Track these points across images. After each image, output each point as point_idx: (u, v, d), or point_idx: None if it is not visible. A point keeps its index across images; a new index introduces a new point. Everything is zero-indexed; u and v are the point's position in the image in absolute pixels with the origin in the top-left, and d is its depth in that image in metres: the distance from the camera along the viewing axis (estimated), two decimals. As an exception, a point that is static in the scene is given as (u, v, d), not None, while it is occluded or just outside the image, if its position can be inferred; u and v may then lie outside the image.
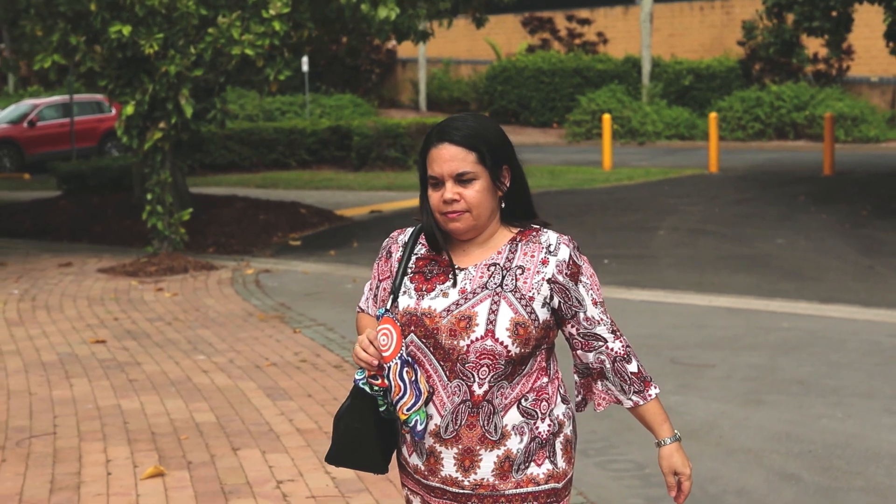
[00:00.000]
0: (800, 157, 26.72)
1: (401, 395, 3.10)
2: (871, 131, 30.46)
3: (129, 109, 13.79)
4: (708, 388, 8.23)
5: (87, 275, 14.18)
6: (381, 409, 3.18)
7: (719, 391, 8.16)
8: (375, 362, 3.11)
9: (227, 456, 6.79)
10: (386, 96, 43.18)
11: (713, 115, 24.61)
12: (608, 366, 3.18)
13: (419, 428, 3.12)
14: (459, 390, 3.10)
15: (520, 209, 3.24)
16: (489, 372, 3.08)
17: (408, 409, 3.11)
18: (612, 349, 3.18)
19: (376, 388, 3.15)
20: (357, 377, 3.21)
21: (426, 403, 3.13)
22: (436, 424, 3.13)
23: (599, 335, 3.17)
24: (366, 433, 3.22)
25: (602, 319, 3.17)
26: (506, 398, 3.11)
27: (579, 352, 3.21)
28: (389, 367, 3.10)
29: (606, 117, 25.64)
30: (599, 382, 3.25)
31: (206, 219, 17.12)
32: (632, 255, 14.30)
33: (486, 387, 3.09)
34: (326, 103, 37.21)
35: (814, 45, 32.93)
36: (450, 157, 3.14)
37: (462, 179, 3.13)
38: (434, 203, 3.17)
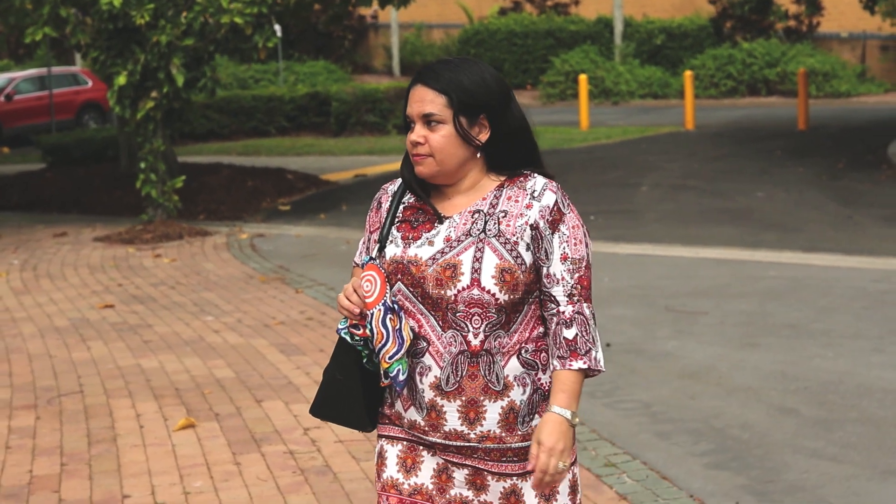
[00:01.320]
0: (773, 113, 27.11)
1: (383, 342, 3.04)
2: (842, 86, 30.87)
3: (122, 80, 14.02)
4: (703, 334, 8.60)
5: (84, 244, 14.43)
6: (364, 360, 3.14)
7: (714, 336, 8.52)
8: (357, 310, 3.08)
9: (252, 408, 7.11)
10: (359, 62, 43.30)
11: (688, 73, 24.95)
12: (552, 328, 3.07)
13: (401, 378, 3.05)
14: (455, 341, 3.05)
15: (512, 161, 3.14)
16: (482, 321, 3.03)
17: (390, 357, 3.04)
18: (561, 312, 3.05)
19: (357, 338, 3.11)
20: (339, 326, 3.16)
21: (409, 352, 3.07)
22: (435, 377, 3.06)
23: (554, 296, 3.06)
24: (349, 387, 3.16)
25: (563, 279, 3.05)
26: (503, 347, 3.06)
27: (541, 311, 3.12)
28: (372, 314, 3.05)
29: (583, 77, 25.94)
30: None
31: (195, 187, 17.35)
32: (617, 211, 14.65)
33: (481, 336, 3.04)
34: (300, 70, 37.32)
35: (784, 2, 33.27)
36: (419, 98, 3.10)
37: (429, 121, 3.09)
38: (406, 142, 3.14)
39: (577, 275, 3.04)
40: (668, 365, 7.80)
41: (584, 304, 3.06)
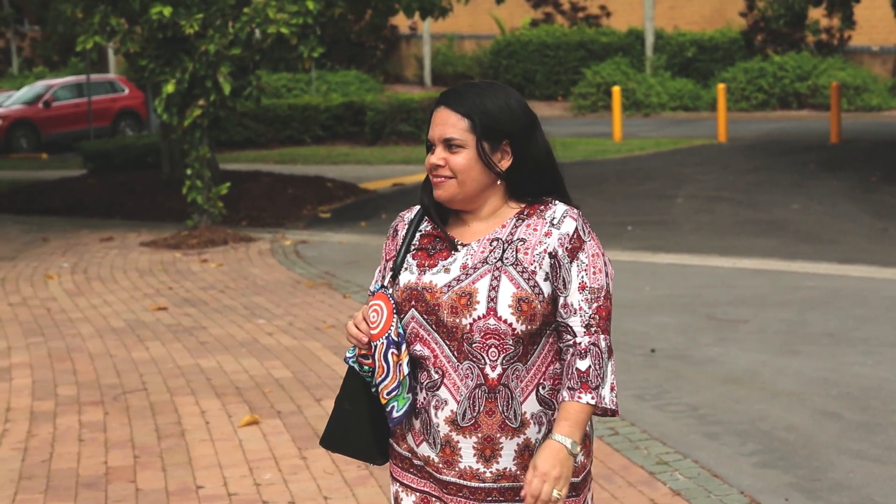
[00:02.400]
0: (805, 126, 27.27)
1: (383, 377, 3.00)
2: (873, 100, 31.00)
3: (170, 88, 14.33)
4: (744, 341, 8.83)
5: (131, 248, 14.74)
6: (374, 390, 3.08)
7: (755, 343, 8.75)
8: (364, 339, 3.03)
9: (312, 406, 7.38)
10: (391, 72, 43.63)
11: (721, 85, 25.14)
12: (566, 358, 3.01)
13: (395, 415, 3.01)
14: (472, 373, 2.98)
15: (534, 188, 3.09)
16: (499, 353, 2.97)
17: (388, 393, 3.00)
18: (577, 343, 2.99)
19: (366, 367, 3.06)
20: (348, 355, 3.12)
21: (411, 389, 3.02)
22: (452, 411, 2.99)
23: (570, 327, 3.00)
24: (357, 417, 3.11)
25: (581, 309, 2.99)
26: (522, 382, 3.00)
27: (558, 343, 3.06)
28: (376, 347, 3.00)
29: (616, 89, 26.18)
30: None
31: (236, 194, 17.66)
32: (654, 222, 14.88)
33: (499, 369, 2.98)
34: (332, 80, 37.67)
35: (814, 15, 33.44)
36: (441, 121, 3.06)
37: (450, 145, 3.04)
38: (426, 164, 3.09)
39: (595, 305, 2.98)
40: (712, 370, 8.04)
41: (602, 336, 2.99)
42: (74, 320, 10.42)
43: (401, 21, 42.70)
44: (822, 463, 6.15)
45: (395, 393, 2.98)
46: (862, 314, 9.59)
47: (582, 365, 2.96)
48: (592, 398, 2.95)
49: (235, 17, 14.45)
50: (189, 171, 14.96)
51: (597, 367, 2.97)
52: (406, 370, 3.00)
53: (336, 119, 28.65)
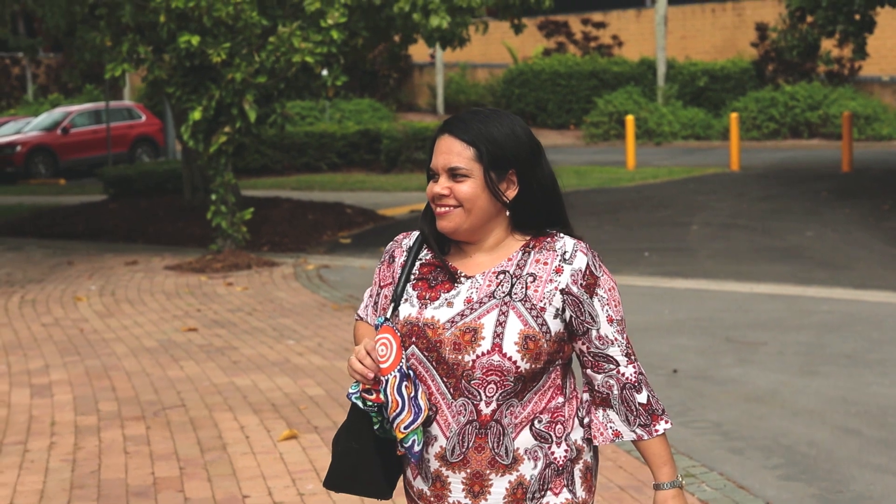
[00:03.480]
0: (816, 155, 27.55)
1: (398, 411, 2.90)
2: (883, 129, 31.30)
3: (197, 115, 14.62)
4: (764, 362, 9.07)
5: (156, 272, 15.02)
6: (376, 426, 2.98)
7: (775, 364, 8.99)
8: (371, 375, 2.90)
9: (348, 421, 7.62)
10: (403, 100, 44.01)
11: (734, 115, 25.45)
12: (615, 392, 2.97)
13: (416, 449, 2.92)
14: (465, 409, 2.91)
15: (539, 219, 3.02)
16: (496, 389, 2.89)
17: (405, 428, 2.90)
18: (622, 374, 2.97)
19: (370, 403, 2.94)
20: (350, 391, 3.00)
21: (426, 423, 2.94)
22: (441, 446, 2.93)
23: (612, 357, 2.97)
24: (365, 454, 3.01)
25: (616, 339, 2.97)
26: (516, 418, 2.92)
27: (589, 371, 3.01)
28: (387, 381, 2.89)
29: (630, 118, 26.49)
30: (601, 411, 3.00)
31: (258, 219, 17.95)
32: (670, 248, 15.14)
33: (493, 405, 2.90)
34: (346, 108, 38.03)
35: (826, 46, 33.76)
36: (446, 149, 2.96)
37: (455, 174, 2.94)
38: (428, 192, 2.99)
39: (624, 335, 2.98)
40: (734, 389, 8.28)
41: (639, 364, 3.01)
42: (108, 340, 10.68)
43: (414, 50, 43.15)
44: (844, 476, 6.39)
45: (413, 426, 2.89)
46: (878, 337, 9.83)
47: (642, 398, 2.96)
48: (666, 422, 2.98)
49: (261, 46, 14.76)
50: (214, 197, 15.25)
51: (653, 393, 2.99)
52: (428, 403, 2.93)
53: (352, 146, 28.99)
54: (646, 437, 2.97)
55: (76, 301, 12.91)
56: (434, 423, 2.94)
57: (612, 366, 2.96)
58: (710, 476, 6.38)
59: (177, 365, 9.54)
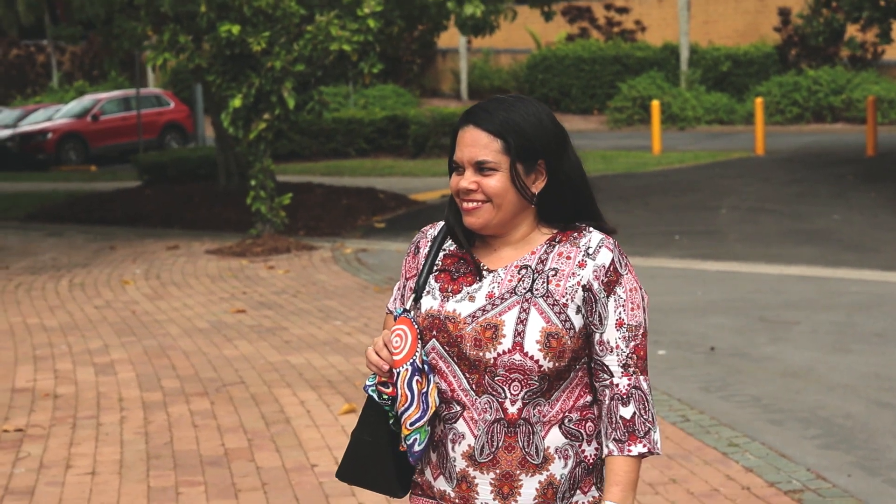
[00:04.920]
0: (840, 139, 27.80)
1: (407, 405, 2.83)
2: (907, 113, 31.52)
3: (237, 102, 14.99)
4: (798, 340, 9.41)
5: (197, 256, 15.40)
6: (391, 421, 2.92)
7: (808, 342, 9.33)
8: (386, 367, 2.84)
9: (402, 396, 7.98)
10: (427, 86, 44.32)
11: (759, 99, 25.72)
12: (605, 402, 2.83)
13: (416, 449, 2.85)
14: (490, 407, 2.81)
15: (567, 211, 2.91)
16: (521, 388, 2.80)
17: (411, 424, 2.83)
18: (615, 384, 2.82)
19: (385, 396, 2.89)
20: (367, 383, 2.94)
21: (431, 420, 2.85)
22: (469, 445, 2.83)
23: (607, 366, 2.83)
24: (378, 448, 2.93)
25: (618, 347, 2.82)
26: (544, 416, 2.83)
27: (592, 378, 2.90)
28: (399, 373, 2.83)
29: (655, 103, 26.81)
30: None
31: (293, 204, 18.28)
32: (700, 232, 15.46)
33: (519, 404, 2.81)
34: (370, 94, 38.37)
35: (849, 30, 33.93)
36: (472, 142, 2.83)
37: (482, 168, 2.82)
38: (452, 186, 2.88)
39: (633, 343, 2.82)
40: (770, 366, 8.62)
41: (641, 377, 2.83)
42: (160, 321, 11.06)
43: (443, 38, 43.42)
44: (880, 445, 6.74)
45: (419, 424, 2.82)
46: (907, 316, 10.16)
47: (626, 412, 2.80)
48: (644, 446, 2.80)
49: (299, 34, 15.11)
50: (253, 182, 15.62)
51: (642, 411, 2.81)
52: (437, 401, 2.84)
53: (379, 132, 29.33)
54: (615, 454, 2.81)
55: (124, 284, 13.29)
56: (461, 420, 2.84)
57: (606, 376, 2.83)
58: (753, 445, 6.73)
59: (231, 345, 9.92)
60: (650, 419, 2.82)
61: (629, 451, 2.78)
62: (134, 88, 34.23)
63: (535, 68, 39.51)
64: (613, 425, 2.80)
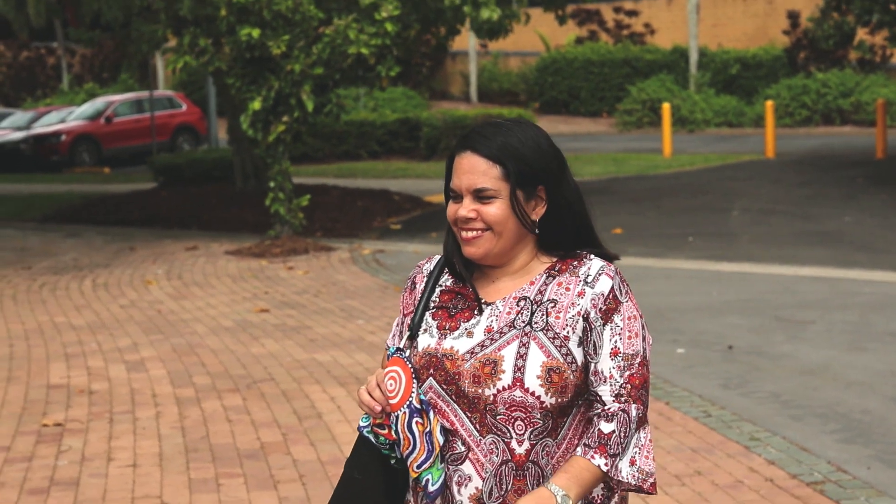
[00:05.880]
0: (850, 142, 27.99)
1: (410, 448, 2.75)
2: (916, 116, 31.71)
3: (256, 105, 15.21)
4: (813, 339, 9.61)
5: (217, 256, 15.62)
6: (393, 462, 2.83)
7: (824, 341, 9.53)
8: (378, 408, 2.76)
9: (430, 393, 8.19)
10: (437, 88, 44.54)
11: (769, 102, 25.92)
12: (594, 421, 2.77)
13: (431, 489, 2.76)
14: (497, 448, 2.73)
15: (567, 238, 2.83)
16: (525, 427, 2.72)
17: (418, 466, 2.75)
18: (606, 408, 2.75)
19: (383, 439, 2.81)
20: (361, 424, 2.85)
21: (443, 458, 2.77)
22: (476, 488, 2.75)
23: (600, 396, 2.75)
24: (369, 487, 2.84)
25: (611, 377, 2.73)
26: (553, 458, 2.75)
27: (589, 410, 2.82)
28: (397, 417, 2.75)
29: (666, 106, 27.02)
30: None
31: (310, 206, 18.50)
32: (712, 233, 15.66)
33: (526, 444, 2.73)
34: (380, 96, 38.53)
35: (859, 34, 34.14)
36: (469, 169, 2.75)
37: (481, 195, 2.75)
38: (449, 214, 2.81)
39: (627, 373, 2.73)
40: (787, 364, 8.82)
41: (633, 405, 2.74)
42: (186, 321, 11.27)
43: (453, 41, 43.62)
44: (898, 440, 6.95)
45: (426, 465, 2.74)
46: (920, 316, 10.36)
47: (606, 428, 2.73)
48: (606, 464, 2.72)
49: (317, 38, 15.33)
50: (272, 184, 15.84)
51: (620, 434, 2.72)
52: (441, 440, 2.76)
53: (391, 135, 29.56)
54: (578, 454, 2.74)
55: (147, 284, 13.51)
56: (467, 462, 2.76)
57: (599, 405, 2.75)
58: (774, 439, 6.93)
59: (257, 343, 10.13)
60: (623, 444, 2.72)
61: (591, 457, 2.71)
62: (143, 91, 34.54)
63: (545, 71, 39.73)
64: (590, 434, 2.74)
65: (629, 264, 12.01)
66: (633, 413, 2.73)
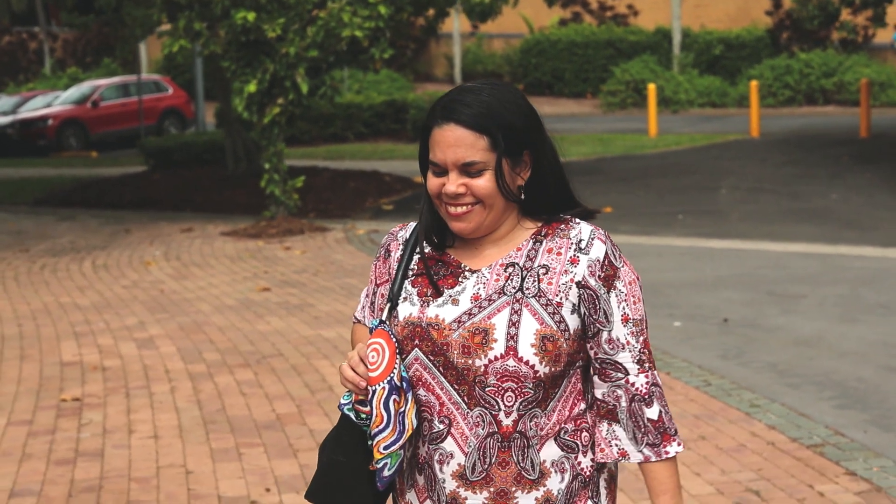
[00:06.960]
0: (833, 122, 28.28)
1: (381, 426, 2.62)
2: (897, 95, 32.04)
3: (252, 87, 15.38)
4: (806, 312, 9.86)
5: (213, 238, 15.81)
6: (370, 442, 2.69)
7: (816, 314, 9.78)
8: (363, 384, 2.62)
9: (436, 366, 8.42)
10: (421, 71, 44.68)
11: (754, 83, 26.18)
12: (623, 404, 2.66)
13: (386, 473, 2.66)
14: (483, 420, 2.62)
15: (550, 201, 2.72)
16: (515, 398, 2.60)
17: (385, 448, 2.63)
18: (632, 384, 2.65)
19: (364, 416, 2.68)
20: (342, 401, 2.73)
21: (405, 445, 2.67)
22: (459, 464, 2.64)
23: (620, 364, 2.65)
24: (353, 470, 2.71)
25: (629, 343, 2.65)
26: (541, 429, 2.65)
27: (595, 378, 2.69)
28: (374, 392, 2.61)
29: (651, 87, 27.23)
30: (605, 425, 2.68)
31: (303, 187, 18.70)
32: (702, 211, 15.91)
33: (514, 416, 2.62)
34: (364, 79, 38.75)
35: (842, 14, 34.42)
36: (455, 142, 2.60)
37: (469, 170, 2.61)
38: (433, 189, 2.66)
39: (641, 337, 2.67)
40: (782, 336, 9.08)
41: (655, 373, 2.68)
42: (190, 300, 11.47)
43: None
44: (893, 406, 7.20)
45: (393, 448, 2.63)
46: (909, 289, 10.63)
47: (652, 413, 2.65)
48: (679, 444, 2.67)
49: (311, 20, 15.51)
50: (267, 166, 16.03)
51: (666, 409, 2.67)
52: (415, 423, 2.65)
53: (378, 117, 29.75)
54: (653, 459, 2.66)
55: (146, 265, 13.70)
56: (448, 438, 2.65)
57: (620, 374, 2.66)
58: (774, 406, 7.18)
59: (262, 320, 10.34)
60: (671, 416, 2.69)
61: (666, 453, 2.65)
62: (127, 74, 34.62)
63: (529, 53, 39.92)
64: (643, 430, 2.65)
65: (621, 241, 12.24)
66: (659, 380, 2.69)
